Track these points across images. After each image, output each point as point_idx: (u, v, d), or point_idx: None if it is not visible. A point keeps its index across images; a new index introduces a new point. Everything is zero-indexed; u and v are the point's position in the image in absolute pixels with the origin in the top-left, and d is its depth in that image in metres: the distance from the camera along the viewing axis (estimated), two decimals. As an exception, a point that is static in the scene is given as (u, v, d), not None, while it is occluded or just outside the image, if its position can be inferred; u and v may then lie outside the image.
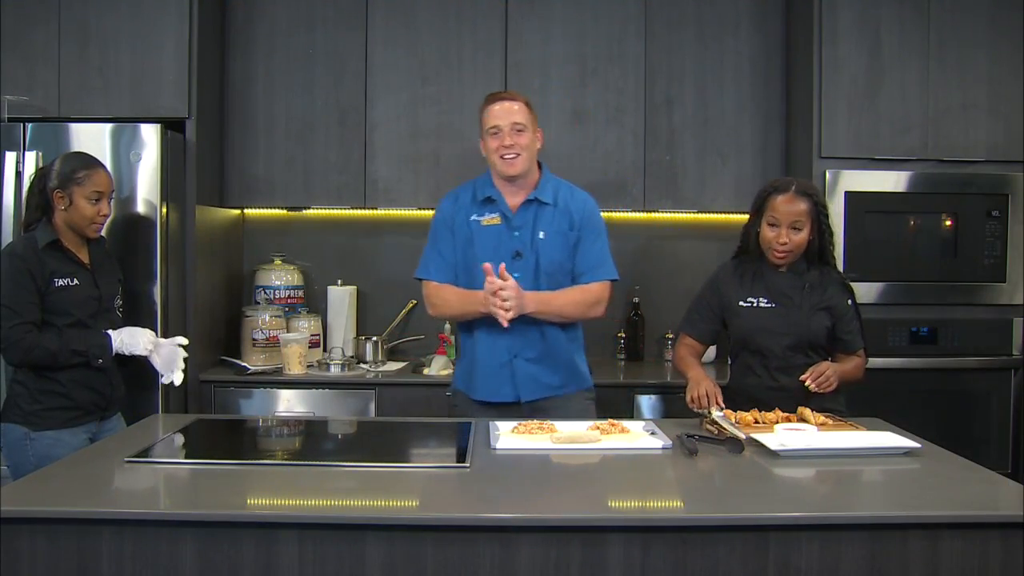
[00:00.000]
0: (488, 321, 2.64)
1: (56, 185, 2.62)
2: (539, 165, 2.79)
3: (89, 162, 2.70)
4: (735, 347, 2.77)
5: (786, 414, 2.47)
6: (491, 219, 2.73)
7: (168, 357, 2.73)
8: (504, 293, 2.54)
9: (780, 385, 2.65)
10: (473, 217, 2.74)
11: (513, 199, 2.74)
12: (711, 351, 3.90)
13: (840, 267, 2.85)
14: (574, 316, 2.73)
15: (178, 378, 2.74)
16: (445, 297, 2.74)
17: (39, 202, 2.65)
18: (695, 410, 2.53)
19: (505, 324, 2.55)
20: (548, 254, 2.70)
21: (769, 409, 2.50)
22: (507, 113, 2.67)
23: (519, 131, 2.67)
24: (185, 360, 2.76)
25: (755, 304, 2.68)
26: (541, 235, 2.71)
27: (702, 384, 2.55)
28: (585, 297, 2.72)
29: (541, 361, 2.70)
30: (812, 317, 2.64)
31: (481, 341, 2.71)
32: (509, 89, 3.74)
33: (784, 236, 2.61)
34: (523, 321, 2.63)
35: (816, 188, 2.70)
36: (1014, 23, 3.54)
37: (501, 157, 2.68)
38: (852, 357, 2.69)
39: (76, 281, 2.63)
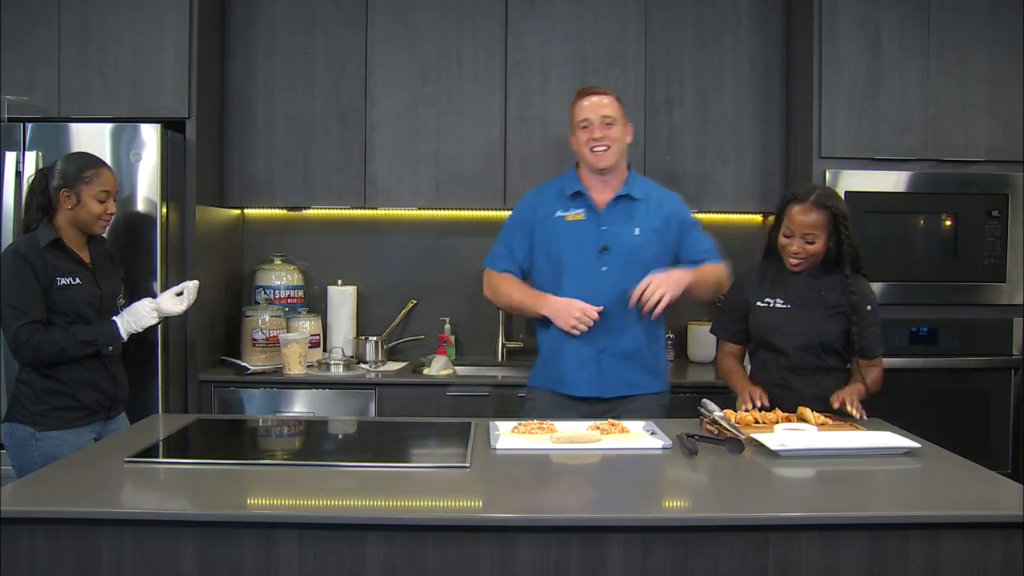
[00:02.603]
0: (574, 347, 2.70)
1: (62, 184, 2.62)
2: (628, 166, 2.82)
3: (94, 161, 2.71)
4: (753, 345, 2.80)
5: (786, 414, 2.47)
6: (575, 215, 2.76)
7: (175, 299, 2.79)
8: (652, 287, 2.56)
9: (789, 385, 2.66)
10: (558, 213, 2.76)
11: (601, 195, 2.76)
12: (710, 351, 3.90)
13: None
14: (713, 290, 2.81)
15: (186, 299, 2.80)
16: (509, 288, 2.78)
17: (40, 203, 2.65)
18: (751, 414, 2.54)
19: (577, 332, 2.63)
20: (646, 249, 2.72)
21: (775, 406, 2.52)
22: (597, 107, 2.71)
23: (609, 124, 2.70)
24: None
25: (771, 304, 2.70)
26: (636, 231, 2.73)
27: (749, 399, 2.60)
28: (718, 271, 2.80)
29: (628, 358, 2.73)
30: (826, 320, 2.64)
31: (565, 335, 2.70)
32: (510, 90, 3.76)
33: (797, 246, 2.64)
34: (613, 318, 2.67)
35: (836, 197, 2.68)
36: (1014, 23, 3.54)
37: (591, 150, 2.70)
38: (869, 368, 2.68)
39: (78, 280, 2.63)
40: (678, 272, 2.66)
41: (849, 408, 2.48)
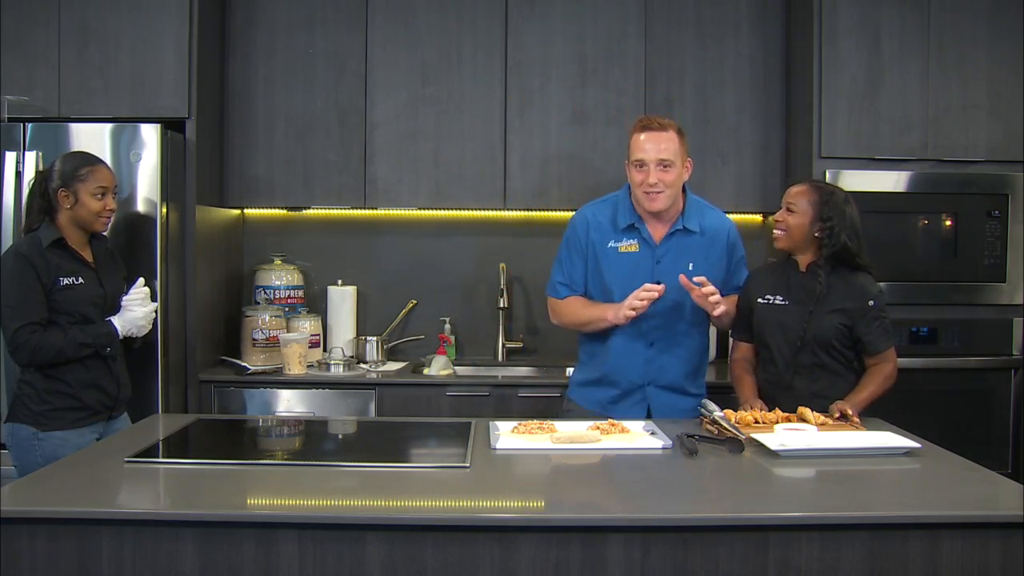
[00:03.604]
0: (624, 342, 2.68)
1: (60, 184, 2.63)
2: (683, 190, 2.75)
3: (90, 159, 2.71)
4: (756, 343, 2.80)
5: (786, 414, 2.47)
6: (629, 246, 2.70)
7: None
8: (712, 297, 2.55)
9: (785, 383, 2.67)
10: (610, 244, 2.71)
11: (657, 228, 2.70)
12: (711, 352, 3.90)
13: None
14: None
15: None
16: (574, 309, 2.76)
17: (41, 204, 2.66)
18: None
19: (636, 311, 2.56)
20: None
21: (774, 405, 2.52)
22: (655, 147, 2.60)
23: (666, 167, 2.60)
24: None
25: (770, 301, 2.72)
26: (691, 267, 2.67)
27: (750, 404, 2.62)
28: None
29: (674, 390, 2.72)
30: (823, 317, 2.64)
31: (615, 361, 2.70)
32: (510, 90, 3.75)
33: (780, 215, 2.70)
34: (659, 349, 2.69)
35: (834, 187, 2.74)
36: (1014, 23, 3.54)
37: (644, 193, 2.63)
38: (880, 366, 2.67)
39: (81, 280, 2.64)
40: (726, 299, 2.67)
41: (847, 414, 2.48)
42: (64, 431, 2.60)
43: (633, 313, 2.57)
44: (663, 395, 2.73)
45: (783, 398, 2.61)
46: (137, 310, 2.72)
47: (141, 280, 2.79)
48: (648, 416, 2.68)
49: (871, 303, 2.65)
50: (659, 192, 2.61)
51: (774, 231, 2.72)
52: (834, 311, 2.65)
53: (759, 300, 2.74)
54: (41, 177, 2.70)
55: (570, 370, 2.87)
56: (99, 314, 2.67)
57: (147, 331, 2.78)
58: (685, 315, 2.71)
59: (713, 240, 2.75)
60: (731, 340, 2.91)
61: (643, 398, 2.73)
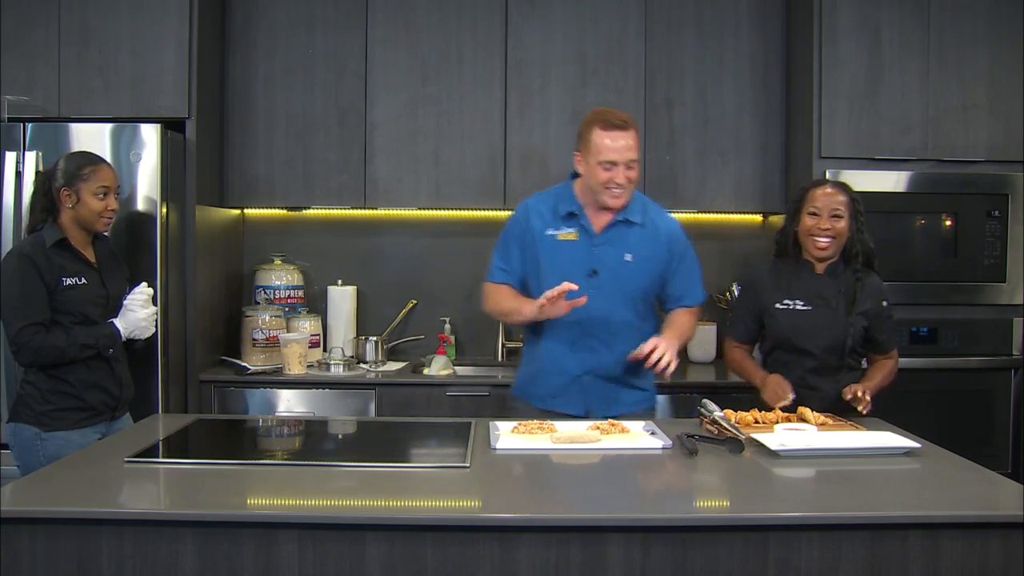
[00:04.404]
0: (559, 333, 2.65)
1: (62, 183, 2.63)
2: None
3: (93, 159, 2.71)
4: (769, 345, 2.79)
5: (786, 414, 2.47)
6: (568, 234, 2.67)
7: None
8: (656, 354, 2.47)
9: (811, 385, 2.67)
10: (548, 232, 2.68)
11: (598, 218, 2.67)
12: (710, 351, 3.91)
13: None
14: (689, 340, 2.79)
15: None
16: (499, 297, 2.72)
17: (44, 204, 2.66)
18: (778, 407, 2.55)
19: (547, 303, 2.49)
20: (636, 279, 2.65)
21: (797, 405, 2.52)
22: (624, 149, 2.57)
23: (631, 167, 2.59)
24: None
25: (791, 306, 2.70)
26: (628, 257, 2.65)
27: (770, 386, 2.61)
28: (693, 320, 2.75)
29: (613, 379, 2.68)
30: (849, 319, 2.66)
31: (551, 353, 2.68)
32: (510, 90, 3.75)
33: (826, 222, 2.65)
34: (596, 341, 2.64)
35: (851, 188, 2.75)
36: (1014, 23, 3.54)
37: (609, 191, 2.60)
38: (885, 360, 2.73)
39: (84, 280, 2.64)
40: (669, 341, 2.54)
41: (859, 395, 2.50)
42: (67, 431, 2.60)
43: (544, 301, 2.49)
44: (602, 386, 2.67)
45: (809, 399, 2.60)
46: (139, 311, 2.72)
47: (144, 283, 2.79)
48: (587, 409, 2.66)
49: (884, 303, 2.68)
50: (623, 190, 2.61)
51: (818, 239, 2.66)
52: (857, 313, 2.67)
53: (777, 306, 2.72)
54: (44, 177, 2.71)
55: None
56: (101, 315, 2.67)
57: (149, 333, 2.77)
58: (622, 305, 2.66)
59: (655, 235, 2.69)
60: (727, 339, 2.91)
61: (581, 389, 2.67)
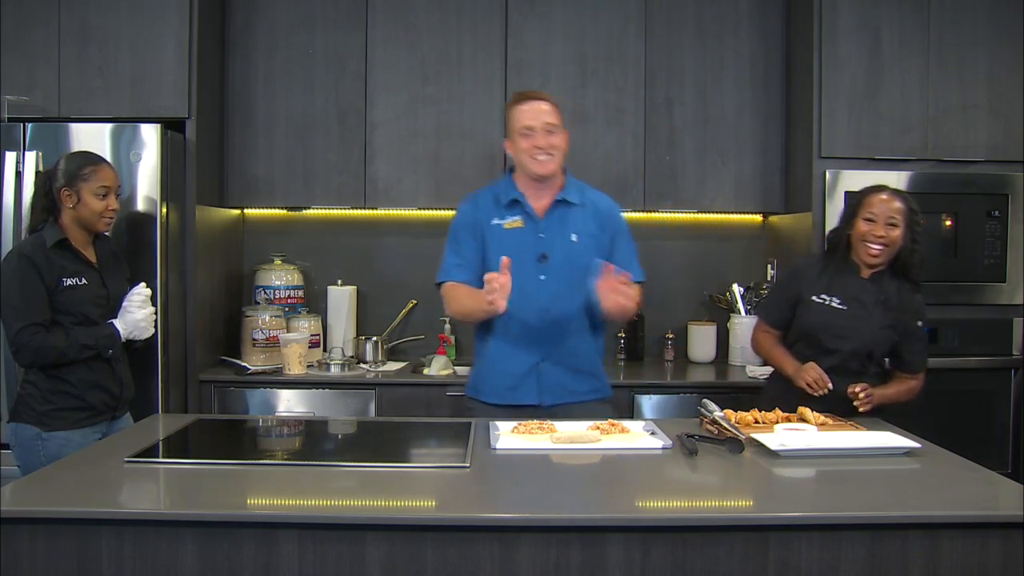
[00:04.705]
0: (512, 326, 2.64)
1: (63, 183, 2.63)
2: (564, 170, 2.76)
3: (94, 159, 2.71)
4: (795, 337, 2.79)
5: (786, 414, 2.47)
6: (513, 222, 2.69)
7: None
8: (626, 293, 2.45)
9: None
10: (494, 221, 2.70)
11: (539, 202, 2.70)
12: (710, 351, 3.91)
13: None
14: (621, 320, 2.76)
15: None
16: (458, 296, 2.69)
17: (45, 204, 2.66)
18: (815, 394, 2.56)
19: (500, 310, 2.44)
20: (582, 257, 2.65)
21: (807, 403, 2.52)
22: (539, 113, 2.63)
23: (551, 132, 2.63)
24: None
25: (827, 302, 2.70)
26: (574, 237, 2.68)
27: (812, 370, 2.61)
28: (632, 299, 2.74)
29: (568, 367, 2.68)
30: (880, 329, 2.66)
31: (504, 345, 2.68)
32: (510, 90, 3.75)
33: (881, 229, 2.64)
34: (551, 327, 2.64)
35: (910, 196, 2.73)
36: (1014, 23, 3.54)
37: (534, 158, 2.63)
38: (909, 380, 2.72)
39: (84, 280, 2.64)
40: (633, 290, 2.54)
41: (860, 395, 2.50)
42: (68, 431, 2.61)
43: (494, 296, 2.44)
44: (557, 374, 2.66)
45: (819, 398, 2.59)
46: (137, 312, 2.72)
47: (143, 283, 2.79)
48: (541, 399, 2.66)
49: (919, 323, 2.68)
50: (548, 156, 2.63)
51: (872, 245, 2.65)
52: (890, 326, 2.67)
53: (814, 299, 2.71)
54: (45, 176, 2.71)
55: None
56: (102, 315, 2.68)
57: (148, 334, 2.77)
58: (573, 289, 2.65)
59: (596, 213, 2.73)
60: (758, 322, 2.89)
61: (537, 378, 2.66)
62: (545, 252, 2.66)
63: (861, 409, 2.53)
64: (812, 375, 2.60)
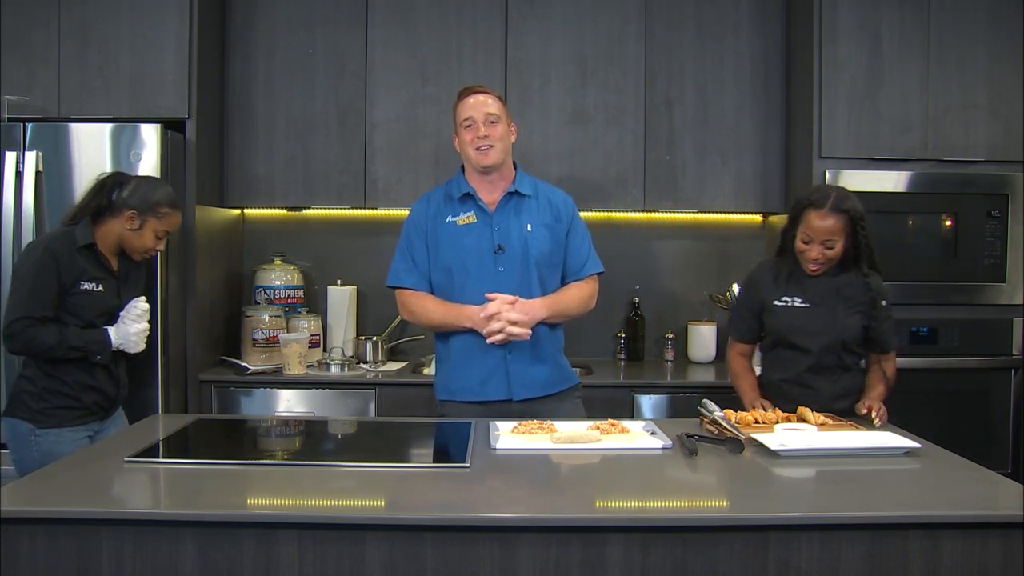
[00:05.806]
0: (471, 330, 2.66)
1: (136, 206, 2.65)
2: (514, 164, 2.80)
3: (175, 202, 2.76)
4: (769, 342, 2.79)
5: (786, 414, 2.47)
6: (466, 218, 2.72)
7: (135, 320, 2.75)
8: (513, 316, 2.56)
9: (808, 384, 2.67)
10: (448, 219, 2.73)
11: (490, 195, 2.74)
12: (710, 351, 3.91)
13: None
14: (578, 313, 2.78)
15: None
16: (426, 307, 2.73)
17: (99, 203, 2.66)
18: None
19: (516, 338, 2.58)
20: (537, 246, 2.70)
21: (796, 405, 2.52)
22: (480, 105, 2.69)
23: (492, 123, 2.68)
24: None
25: (790, 304, 2.70)
26: (529, 228, 2.71)
27: (756, 410, 2.56)
28: (582, 293, 2.78)
29: (533, 361, 2.70)
30: (847, 318, 2.66)
31: (469, 344, 2.69)
32: (510, 90, 3.76)
33: (816, 252, 2.63)
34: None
35: (852, 198, 2.64)
36: (1014, 23, 3.54)
37: (476, 149, 2.67)
38: (885, 363, 2.72)
39: (101, 288, 2.66)
40: (537, 305, 2.63)
41: (874, 416, 2.48)
42: (60, 428, 2.63)
43: (496, 339, 2.58)
44: (523, 366, 2.68)
45: (807, 398, 2.60)
46: (131, 325, 2.72)
47: (143, 298, 2.78)
48: (511, 393, 2.67)
49: (884, 303, 2.67)
50: (490, 146, 2.67)
51: (810, 265, 2.64)
52: (856, 312, 2.66)
53: (776, 303, 2.71)
54: (114, 180, 2.71)
55: (572, 370, 2.87)
56: (107, 323, 2.70)
57: (139, 349, 2.76)
58: (531, 279, 2.69)
59: (549, 204, 2.76)
60: (730, 340, 2.91)
61: (505, 372, 2.67)
62: (501, 244, 2.69)
63: (878, 424, 2.51)
64: (756, 415, 2.57)
